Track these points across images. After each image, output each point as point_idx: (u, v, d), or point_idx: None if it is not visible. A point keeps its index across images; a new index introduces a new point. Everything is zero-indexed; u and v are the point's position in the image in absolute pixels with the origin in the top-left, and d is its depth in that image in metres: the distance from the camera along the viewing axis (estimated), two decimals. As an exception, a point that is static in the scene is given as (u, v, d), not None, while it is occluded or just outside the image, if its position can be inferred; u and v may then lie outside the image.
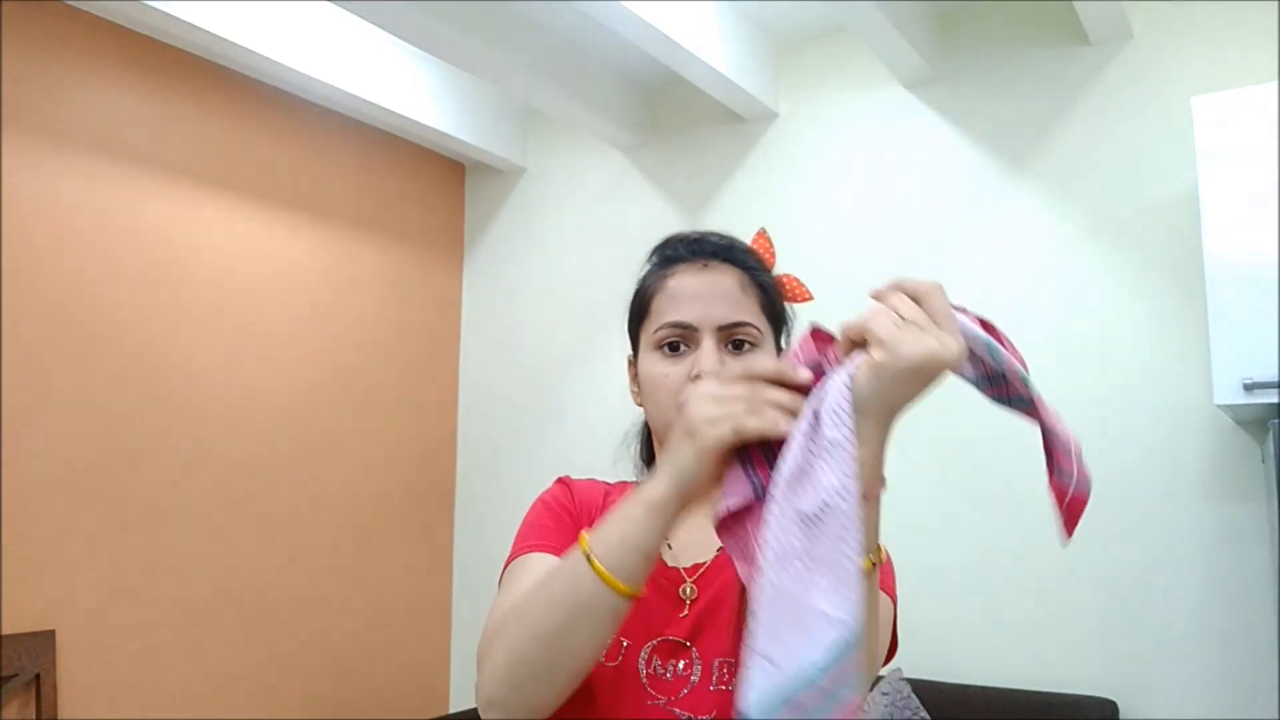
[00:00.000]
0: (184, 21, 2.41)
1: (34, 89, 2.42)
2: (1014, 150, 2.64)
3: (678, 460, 0.76)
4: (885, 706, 2.35)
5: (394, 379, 3.30)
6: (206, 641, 2.67)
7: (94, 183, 2.53)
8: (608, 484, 1.06)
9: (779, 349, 1.01)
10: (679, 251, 1.01)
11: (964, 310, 0.76)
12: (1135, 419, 2.40)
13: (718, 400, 0.76)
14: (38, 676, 2.29)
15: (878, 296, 0.74)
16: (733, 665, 0.89)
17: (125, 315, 2.57)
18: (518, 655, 0.78)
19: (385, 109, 2.98)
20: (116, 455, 2.52)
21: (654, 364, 0.97)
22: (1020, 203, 2.62)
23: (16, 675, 2.24)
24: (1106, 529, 2.40)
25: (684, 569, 0.95)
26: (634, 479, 1.10)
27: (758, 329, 0.97)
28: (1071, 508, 0.74)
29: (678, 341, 0.96)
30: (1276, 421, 1.90)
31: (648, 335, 1.00)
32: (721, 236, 1.02)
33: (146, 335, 2.61)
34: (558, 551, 0.91)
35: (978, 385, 0.77)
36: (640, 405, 1.04)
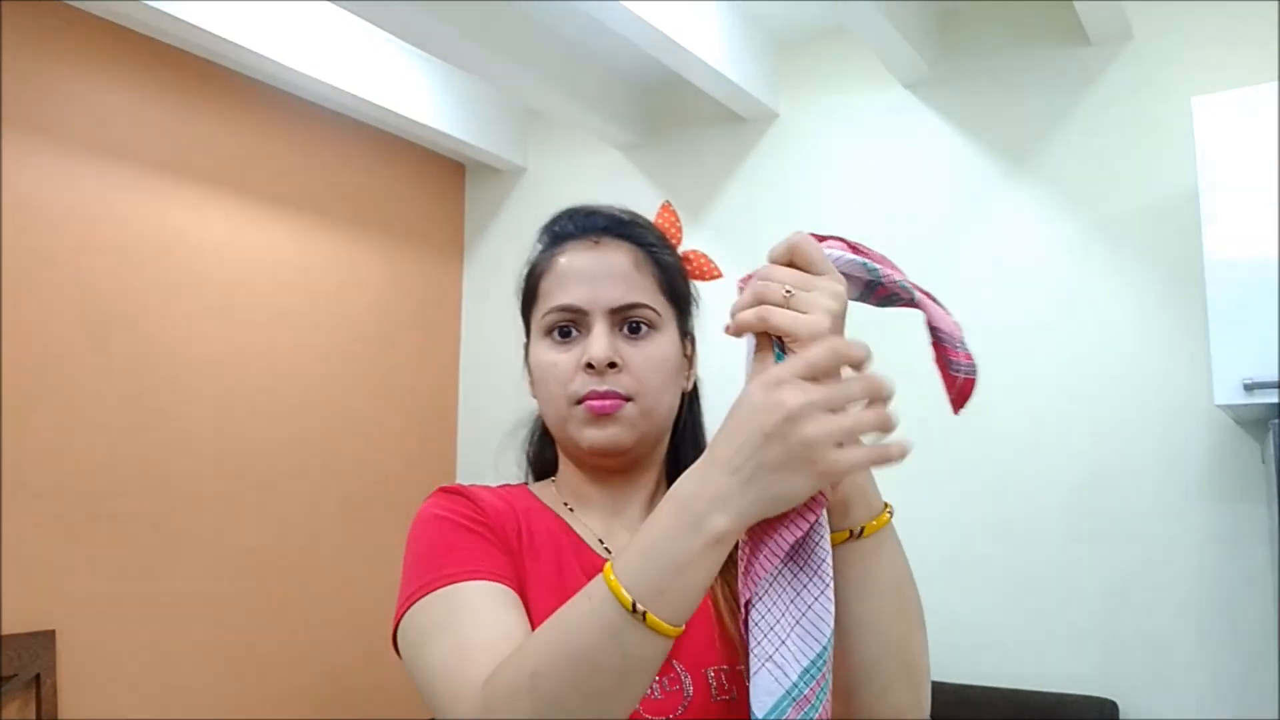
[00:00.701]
0: (184, 21, 2.41)
1: (34, 89, 2.42)
2: (1014, 150, 2.64)
3: (777, 489, 0.62)
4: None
5: (394, 379, 3.30)
6: (207, 641, 2.67)
7: (94, 183, 2.53)
8: (494, 488, 0.94)
9: (683, 333, 0.95)
10: (567, 228, 0.94)
11: (827, 239, 0.76)
12: (1135, 419, 2.40)
13: (834, 414, 0.62)
14: (38, 676, 2.29)
15: (758, 278, 0.70)
16: (729, 672, 0.83)
17: (125, 315, 2.57)
18: (559, 705, 0.63)
19: (385, 109, 2.98)
20: (117, 455, 2.52)
21: (543, 351, 0.91)
22: (1020, 202, 2.62)
23: (16, 675, 2.24)
24: (1106, 529, 2.40)
25: None
26: (522, 480, 1.02)
27: (655, 310, 0.90)
28: (963, 391, 0.76)
29: (568, 326, 0.89)
30: (1276, 421, 1.90)
31: (537, 319, 0.93)
32: (617, 211, 0.95)
33: (146, 335, 2.61)
34: (499, 575, 0.79)
35: (862, 299, 0.77)
36: (534, 396, 0.96)
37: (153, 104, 2.67)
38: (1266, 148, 1.98)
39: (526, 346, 0.97)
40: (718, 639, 0.84)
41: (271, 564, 2.86)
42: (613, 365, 0.87)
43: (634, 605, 0.62)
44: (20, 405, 2.34)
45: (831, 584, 0.69)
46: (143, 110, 2.64)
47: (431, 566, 0.80)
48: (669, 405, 0.92)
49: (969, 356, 0.75)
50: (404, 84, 3.02)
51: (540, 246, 0.97)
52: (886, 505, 0.76)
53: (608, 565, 0.65)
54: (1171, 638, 2.31)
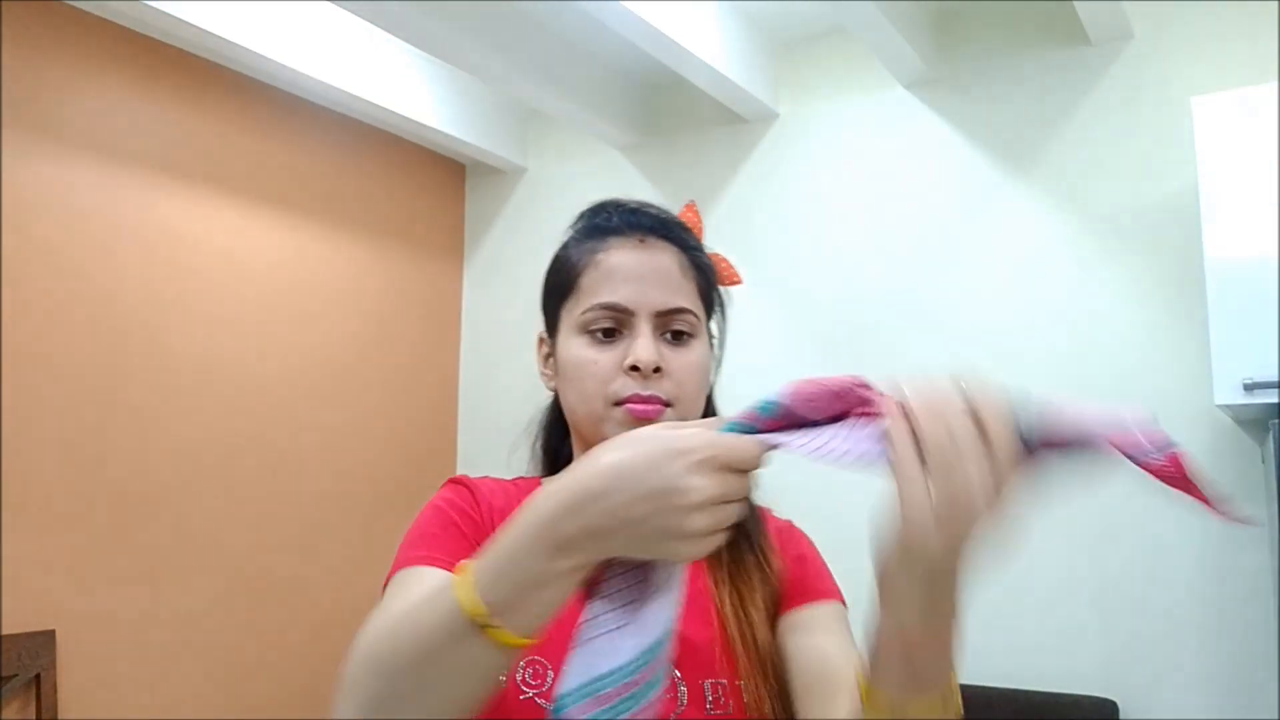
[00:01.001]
0: (184, 21, 2.41)
1: (34, 89, 2.42)
2: (1014, 150, 2.64)
3: (642, 548, 0.61)
4: (885, 706, 2.35)
5: (394, 379, 3.30)
6: (207, 641, 2.67)
7: (94, 183, 2.53)
8: (505, 481, 0.95)
9: (710, 337, 0.94)
10: (611, 221, 0.91)
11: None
12: (1135, 419, 2.40)
13: (713, 508, 0.60)
14: (38, 676, 2.29)
15: (921, 403, 0.56)
16: (728, 687, 0.82)
17: (125, 315, 2.57)
18: (380, 698, 0.65)
19: (385, 109, 2.98)
20: (117, 455, 2.52)
21: (580, 348, 0.88)
22: (1020, 203, 2.62)
23: (16, 675, 2.24)
24: (1106, 529, 2.40)
25: None
26: (536, 473, 1.00)
27: (696, 316, 0.89)
28: (1172, 477, 0.61)
29: (611, 326, 0.87)
30: (1276, 421, 1.90)
31: (572, 315, 0.89)
32: (658, 209, 0.93)
33: (146, 335, 2.61)
34: (449, 564, 0.78)
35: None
36: (552, 389, 0.94)
37: (153, 104, 2.67)
38: (1266, 148, 1.98)
39: (547, 339, 0.93)
40: (721, 653, 0.84)
41: (271, 564, 2.86)
42: (657, 370, 0.86)
43: (483, 616, 0.61)
44: (20, 405, 2.34)
45: (675, 596, 0.65)
46: (143, 110, 2.64)
47: (406, 551, 0.82)
48: (700, 412, 0.92)
49: (1153, 432, 0.61)
50: (404, 84, 3.02)
51: (578, 238, 0.93)
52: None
53: (467, 570, 0.63)
54: (1171, 638, 2.31)
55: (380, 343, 3.26)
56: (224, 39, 2.51)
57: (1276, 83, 2.01)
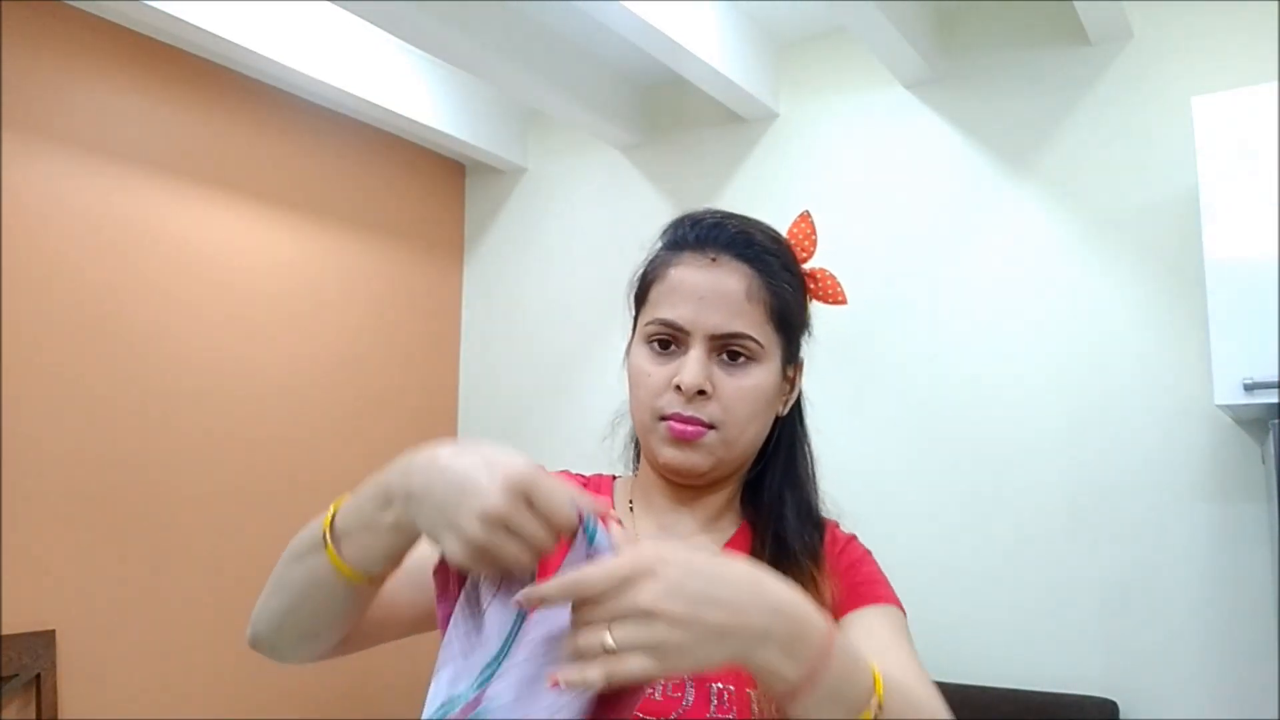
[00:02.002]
0: (184, 21, 2.41)
1: (34, 89, 2.42)
2: (1014, 150, 2.64)
3: (423, 521, 0.69)
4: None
5: (394, 379, 3.30)
6: (207, 641, 2.67)
7: (94, 183, 2.53)
8: (584, 476, 0.99)
9: (790, 360, 0.92)
10: (688, 236, 0.92)
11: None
12: (1135, 419, 2.40)
13: (492, 526, 0.64)
14: (38, 676, 2.29)
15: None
16: (734, 693, 0.82)
17: (125, 315, 2.57)
18: (271, 611, 0.83)
19: (385, 109, 2.98)
20: (117, 455, 2.52)
21: (641, 358, 0.90)
22: (1020, 203, 2.62)
23: (16, 675, 2.24)
24: (1106, 529, 2.40)
25: None
26: (621, 471, 1.02)
27: (757, 342, 0.87)
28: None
29: (668, 340, 0.88)
30: (1277, 421, 1.90)
31: (642, 323, 0.92)
32: (742, 224, 0.92)
33: (146, 335, 2.61)
34: None
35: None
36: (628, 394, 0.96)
37: (153, 104, 2.67)
38: (1266, 148, 1.97)
39: (631, 342, 0.94)
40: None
41: (271, 564, 2.85)
42: (701, 392, 0.86)
43: (328, 534, 0.77)
44: (20, 405, 2.34)
45: (511, 616, 0.68)
46: (143, 110, 2.64)
47: None
48: (755, 435, 0.91)
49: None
50: (404, 84, 3.02)
51: (660, 246, 0.94)
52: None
53: (342, 500, 0.77)
54: (1172, 638, 2.31)
55: (380, 343, 3.26)
56: (224, 39, 2.51)
57: (1276, 83, 2.01)
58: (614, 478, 1.01)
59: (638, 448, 1.00)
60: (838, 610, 0.87)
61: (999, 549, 2.52)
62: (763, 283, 0.89)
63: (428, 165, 3.48)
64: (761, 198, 2.98)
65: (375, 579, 0.77)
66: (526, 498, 0.65)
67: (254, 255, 2.90)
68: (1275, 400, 1.89)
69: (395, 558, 0.75)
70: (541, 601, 0.63)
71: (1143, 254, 2.45)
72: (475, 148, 3.30)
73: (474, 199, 3.62)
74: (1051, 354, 2.52)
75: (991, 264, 2.63)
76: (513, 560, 0.65)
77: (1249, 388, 1.91)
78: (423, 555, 0.83)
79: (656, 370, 0.88)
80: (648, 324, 0.90)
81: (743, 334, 0.87)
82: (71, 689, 2.37)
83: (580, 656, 0.60)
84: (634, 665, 0.59)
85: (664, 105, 3.23)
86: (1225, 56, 2.37)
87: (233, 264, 2.84)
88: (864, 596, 0.88)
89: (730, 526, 0.94)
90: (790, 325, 0.92)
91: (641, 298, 0.93)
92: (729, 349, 0.87)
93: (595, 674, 0.59)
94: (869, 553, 0.94)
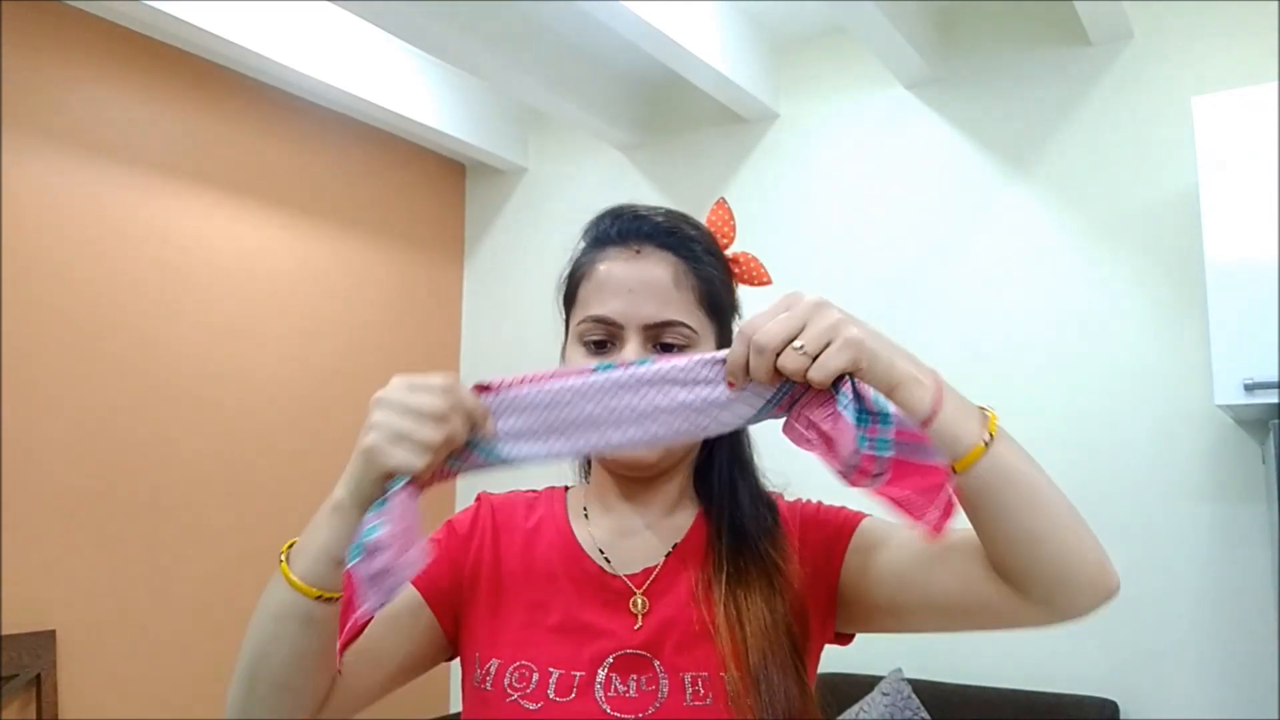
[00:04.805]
0: (184, 21, 2.41)
1: (34, 89, 2.42)
2: (1014, 150, 2.64)
3: (355, 474, 0.75)
4: (885, 707, 2.35)
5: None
6: (207, 641, 2.67)
7: (94, 183, 2.53)
8: (534, 492, 0.99)
9: (724, 342, 0.92)
10: (609, 232, 0.91)
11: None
12: (1136, 419, 2.40)
13: (401, 419, 0.73)
14: (38, 676, 2.29)
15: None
16: (708, 680, 0.83)
17: (124, 315, 2.57)
18: (242, 673, 0.82)
19: (385, 109, 2.98)
20: (116, 455, 2.52)
21: (576, 358, 0.90)
22: (1020, 203, 2.62)
23: (16, 675, 2.24)
24: (1106, 529, 2.39)
25: (628, 577, 0.88)
26: (578, 478, 1.02)
27: (691, 329, 0.87)
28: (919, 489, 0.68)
29: (602, 339, 0.88)
30: (1277, 422, 1.90)
31: (574, 324, 0.92)
32: (662, 216, 0.92)
33: (146, 335, 2.61)
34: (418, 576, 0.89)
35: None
36: None
37: (153, 104, 2.67)
38: (1266, 148, 1.98)
39: (564, 345, 0.95)
40: (706, 647, 0.84)
41: (271, 564, 2.85)
42: None
43: (281, 561, 0.79)
44: (20, 406, 2.34)
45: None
46: (143, 110, 2.64)
47: None
48: None
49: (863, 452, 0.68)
50: (404, 84, 3.02)
51: (583, 245, 0.94)
52: (984, 442, 0.74)
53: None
54: (1172, 638, 2.31)
55: (380, 342, 3.26)
56: (224, 39, 2.51)
57: (1276, 83, 2.01)
58: (566, 488, 1.01)
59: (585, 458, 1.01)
60: (813, 584, 0.88)
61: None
62: (689, 269, 0.89)
63: (428, 165, 3.48)
64: (761, 198, 2.98)
65: (328, 591, 0.76)
66: (409, 387, 0.74)
67: (254, 255, 2.90)
68: (1275, 400, 1.89)
69: (338, 558, 0.73)
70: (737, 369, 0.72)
71: (1143, 254, 2.45)
72: (475, 148, 3.30)
73: (474, 199, 3.62)
74: (1051, 354, 2.52)
75: (991, 264, 2.63)
76: (423, 437, 0.71)
77: (1249, 388, 1.91)
78: (391, 605, 0.83)
79: None
80: (580, 323, 0.90)
81: (676, 321, 0.87)
82: (71, 689, 2.37)
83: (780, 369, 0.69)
84: (838, 356, 0.69)
85: (664, 105, 3.23)
86: (1225, 56, 2.37)
87: (233, 264, 2.84)
88: (843, 530, 0.90)
89: (687, 516, 0.95)
90: (720, 309, 0.92)
91: (570, 299, 0.94)
92: (663, 339, 0.87)
93: (806, 365, 0.69)
94: (811, 501, 0.96)
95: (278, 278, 2.96)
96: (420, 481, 0.73)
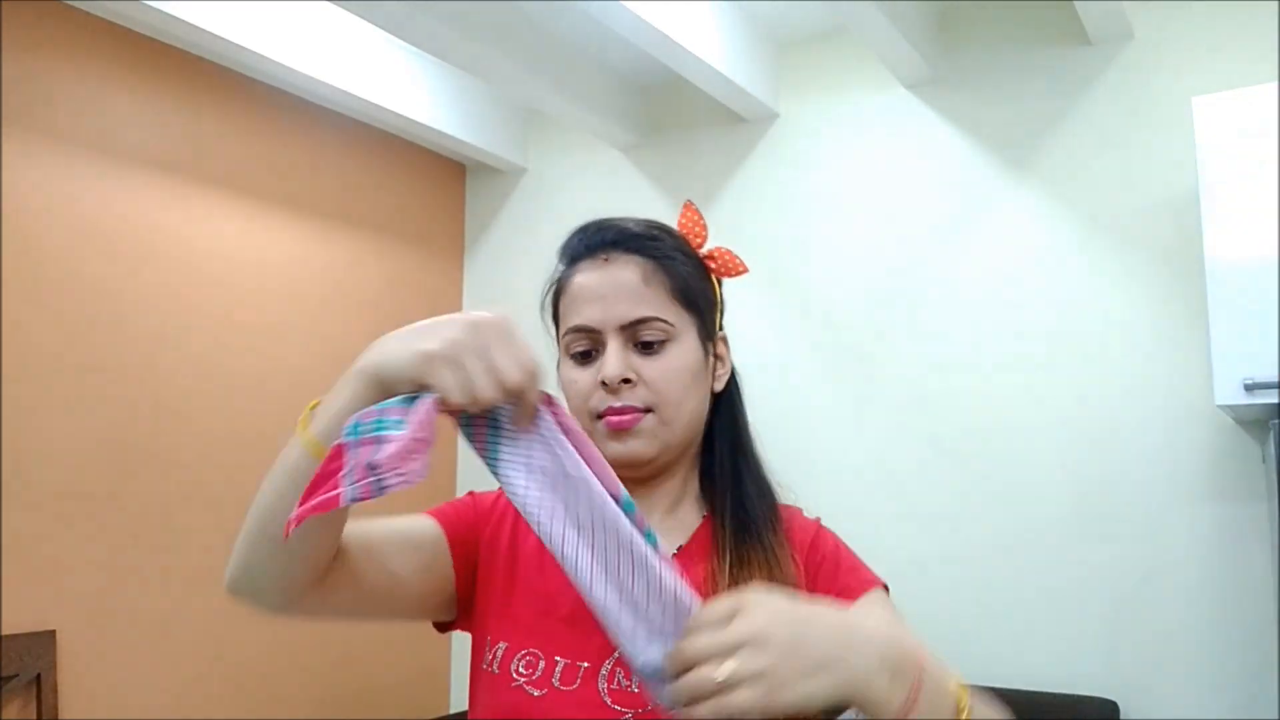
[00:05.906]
0: (184, 21, 2.41)
1: (34, 89, 2.42)
2: (1014, 150, 2.64)
3: (398, 363, 0.75)
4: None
5: (394, 379, 3.30)
6: (207, 641, 2.67)
7: (93, 183, 2.53)
8: None
9: (705, 336, 0.95)
10: (579, 247, 0.96)
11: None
12: (1136, 419, 2.40)
13: (477, 362, 0.72)
14: (38, 676, 2.29)
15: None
16: None
17: (124, 315, 2.57)
18: (247, 529, 0.85)
19: (385, 109, 2.98)
20: (117, 455, 2.52)
21: (567, 370, 0.94)
22: (1020, 203, 2.62)
23: (16, 675, 2.24)
24: (1107, 529, 2.40)
25: None
26: None
27: (667, 322, 0.91)
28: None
29: (587, 347, 0.92)
30: (1277, 422, 1.90)
31: (560, 339, 0.96)
32: (630, 223, 0.95)
33: (146, 335, 2.61)
34: (437, 516, 0.97)
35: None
36: None
37: (153, 104, 2.67)
38: (1266, 148, 1.98)
39: (558, 362, 0.98)
40: None
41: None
42: (627, 381, 0.90)
43: (304, 422, 0.82)
44: (20, 405, 2.34)
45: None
46: (143, 110, 2.64)
47: None
48: (692, 411, 0.94)
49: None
50: (404, 84, 3.02)
51: (560, 266, 0.98)
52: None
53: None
54: (1172, 638, 2.31)
55: (380, 343, 3.26)
56: (224, 39, 2.51)
57: (1276, 83, 2.01)
58: None
59: None
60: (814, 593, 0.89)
61: (999, 549, 2.52)
62: (656, 266, 0.92)
63: (428, 165, 3.48)
64: (761, 198, 2.98)
65: None
66: (506, 339, 0.74)
67: (254, 255, 2.90)
68: (1275, 400, 1.89)
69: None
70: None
71: (1143, 254, 2.45)
72: (475, 148, 3.30)
73: (474, 199, 3.63)
74: (1052, 353, 2.52)
75: (992, 264, 2.63)
76: (481, 387, 0.70)
77: (1249, 388, 1.91)
78: (415, 521, 0.92)
79: (582, 376, 0.92)
80: (564, 336, 0.94)
81: (650, 317, 0.90)
82: (71, 689, 2.37)
83: (692, 697, 0.63)
84: (743, 697, 0.61)
85: (664, 105, 3.23)
86: (1225, 56, 2.37)
87: (233, 264, 2.83)
88: (853, 588, 0.90)
89: (692, 516, 0.96)
90: (696, 301, 0.94)
91: (554, 317, 0.97)
92: (642, 337, 0.90)
93: (705, 710, 0.61)
94: (839, 539, 0.96)
95: (277, 278, 2.96)
96: (447, 409, 0.73)
